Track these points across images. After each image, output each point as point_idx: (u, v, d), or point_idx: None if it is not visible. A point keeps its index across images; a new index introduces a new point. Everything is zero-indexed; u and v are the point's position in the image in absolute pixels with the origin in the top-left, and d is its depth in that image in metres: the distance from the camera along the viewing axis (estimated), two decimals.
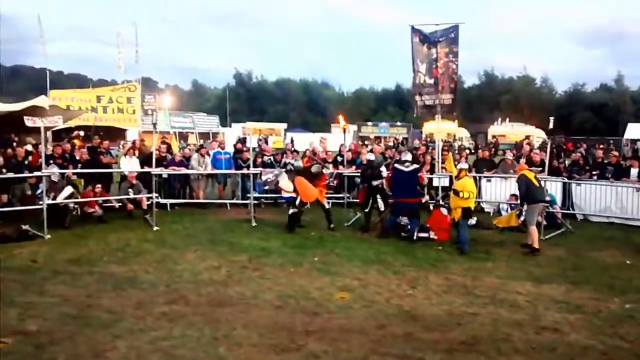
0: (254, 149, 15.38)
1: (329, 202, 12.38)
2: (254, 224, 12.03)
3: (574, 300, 7.28)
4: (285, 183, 12.09)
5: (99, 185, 12.35)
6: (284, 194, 12.31)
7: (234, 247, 10.01)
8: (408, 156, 11.59)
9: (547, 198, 11.53)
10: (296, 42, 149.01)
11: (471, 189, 10.34)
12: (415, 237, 10.58)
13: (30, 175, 11.89)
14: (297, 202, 11.55)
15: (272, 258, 9.25)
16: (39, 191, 11.54)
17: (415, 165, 11.42)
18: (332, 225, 11.72)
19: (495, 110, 54.10)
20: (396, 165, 11.19)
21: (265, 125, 45.35)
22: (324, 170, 12.62)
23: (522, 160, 14.11)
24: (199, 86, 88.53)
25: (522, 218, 10.83)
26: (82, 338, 5.66)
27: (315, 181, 11.70)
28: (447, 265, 9.07)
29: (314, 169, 11.95)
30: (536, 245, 9.97)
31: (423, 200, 11.99)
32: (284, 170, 12.96)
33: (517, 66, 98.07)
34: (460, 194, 10.18)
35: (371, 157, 12.71)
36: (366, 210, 11.59)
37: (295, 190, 11.60)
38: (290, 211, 11.48)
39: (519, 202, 11.14)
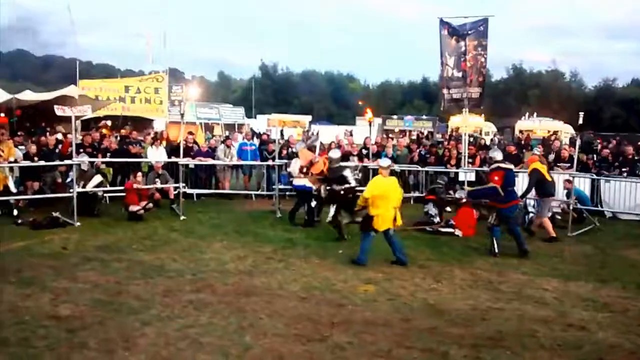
0: (279, 140, 15.46)
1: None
2: (278, 215, 12.11)
3: (601, 298, 7.19)
4: (295, 166, 11.75)
5: (140, 174, 12.39)
6: (296, 182, 11.71)
7: (259, 238, 10.10)
8: (500, 155, 10.19)
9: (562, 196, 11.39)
10: (322, 34, 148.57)
11: (367, 192, 8.64)
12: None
13: (61, 163, 12.13)
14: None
15: (296, 249, 9.32)
16: (69, 179, 11.78)
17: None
18: (316, 219, 11.35)
19: (523, 105, 53.36)
20: (502, 165, 9.67)
21: (290, 117, 45.36)
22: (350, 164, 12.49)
23: (551, 156, 13.96)
24: (224, 77, 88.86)
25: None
26: (112, 324, 5.78)
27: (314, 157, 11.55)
28: (473, 260, 9.02)
29: (309, 142, 11.97)
30: (553, 234, 10.13)
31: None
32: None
33: (545, 60, 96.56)
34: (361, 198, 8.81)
35: (334, 154, 10.78)
36: (329, 221, 10.16)
37: (305, 172, 11.31)
38: (313, 204, 11.32)
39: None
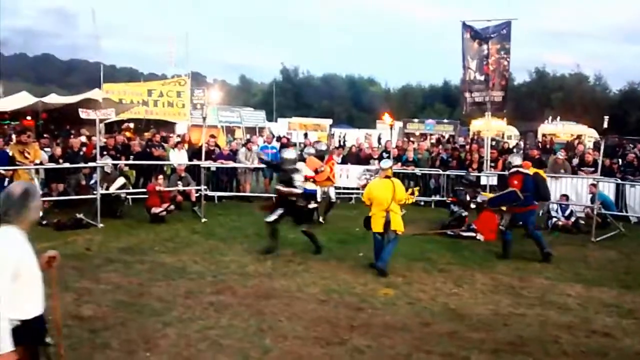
0: (299, 143, 15.51)
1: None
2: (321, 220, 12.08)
3: (626, 304, 7.08)
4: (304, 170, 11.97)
5: (161, 177, 12.50)
6: (308, 187, 12.02)
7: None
8: (519, 159, 10.19)
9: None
10: (343, 38, 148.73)
11: (369, 194, 8.55)
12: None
13: (85, 165, 12.31)
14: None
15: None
16: (92, 181, 11.95)
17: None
18: (321, 220, 11.67)
19: (546, 109, 52.75)
20: (521, 169, 9.66)
21: (310, 121, 45.38)
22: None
23: (575, 160, 13.79)
24: (246, 81, 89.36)
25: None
26: (134, 324, 5.85)
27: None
28: (494, 264, 8.94)
29: (317, 146, 11.98)
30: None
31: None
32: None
33: (569, 63, 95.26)
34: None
35: (288, 154, 9.95)
36: (269, 221, 9.31)
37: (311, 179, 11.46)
38: (311, 205, 11.44)
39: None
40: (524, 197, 9.34)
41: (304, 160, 12.12)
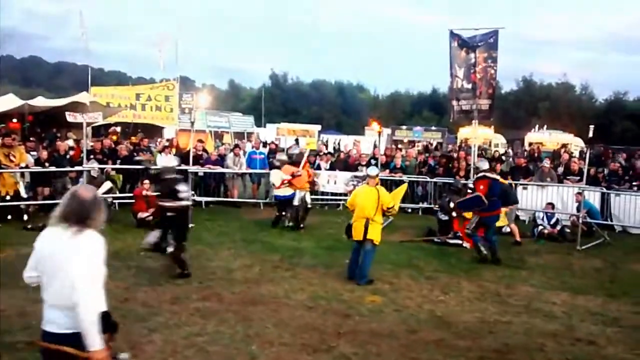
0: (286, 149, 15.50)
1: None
2: (286, 224, 12.11)
3: (611, 312, 7.15)
4: (276, 177, 12.16)
5: (147, 181, 12.46)
6: (276, 192, 12.27)
7: (266, 247, 10.12)
8: (486, 164, 10.49)
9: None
10: (332, 45, 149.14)
11: (353, 200, 8.51)
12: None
13: (71, 169, 12.22)
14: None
15: (304, 259, 9.32)
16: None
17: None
18: (301, 226, 11.81)
19: (533, 117, 53.19)
20: (488, 174, 9.93)
21: (299, 127, 45.41)
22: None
23: (560, 169, 13.92)
24: (235, 86, 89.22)
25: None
26: (120, 330, 5.77)
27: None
28: (480, 272, 8.98)
29: (290, 150, 12.18)
30: (518, 239, 11.17)
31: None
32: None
33: (556, 73, 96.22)
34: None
35: (165, 161, 9.30)
36: (145, 247, 8.43)
37: (287, 183, 11.79)
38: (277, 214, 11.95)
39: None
40: (490, 201, 9.57)
41: (278, 168, 12.23)
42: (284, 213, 12.08)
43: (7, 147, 11.90)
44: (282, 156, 13.05)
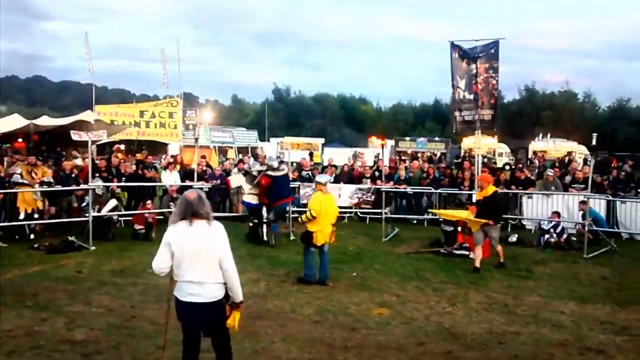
0: (292, 163, 15.54)
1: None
2: (292, 237, 12.11)
3: (619, 321, 7.09)
4: (235, 181, 13.02)
5: (150, 202, 12.68)
6: (247, 199, 12.45)
7: (272, 261, 10.11)
8: (276, 162, 12.04)
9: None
10: (335, 58, 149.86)
11: (314, 207, 8.66)
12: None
13: (77, 188, 12.26)
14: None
15: None
16: (84, 204, 11.90)
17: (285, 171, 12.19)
18: (266, 239, 11.71)
19: (536, 126, 53.17)
20: (269, 172, 11.66)
21: (303, 140, 45.55)
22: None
23: (568, 178, 13.87)
24: (238, 101, 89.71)
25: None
26: (127, 348, 5.80)
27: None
28: (487, 283, 8.94)
29: (267, 161, 12.49)
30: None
31: None
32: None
33: (559, 81, 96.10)
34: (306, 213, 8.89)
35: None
36: None
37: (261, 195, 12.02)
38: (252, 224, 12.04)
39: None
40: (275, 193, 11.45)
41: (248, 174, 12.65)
42: (255, 221, 11.99)
43: (30, 165, 12.25)
44: (257, 166, 13.21)
